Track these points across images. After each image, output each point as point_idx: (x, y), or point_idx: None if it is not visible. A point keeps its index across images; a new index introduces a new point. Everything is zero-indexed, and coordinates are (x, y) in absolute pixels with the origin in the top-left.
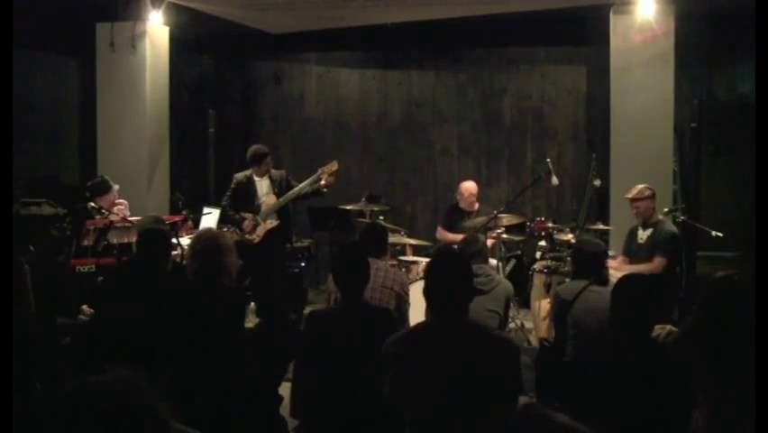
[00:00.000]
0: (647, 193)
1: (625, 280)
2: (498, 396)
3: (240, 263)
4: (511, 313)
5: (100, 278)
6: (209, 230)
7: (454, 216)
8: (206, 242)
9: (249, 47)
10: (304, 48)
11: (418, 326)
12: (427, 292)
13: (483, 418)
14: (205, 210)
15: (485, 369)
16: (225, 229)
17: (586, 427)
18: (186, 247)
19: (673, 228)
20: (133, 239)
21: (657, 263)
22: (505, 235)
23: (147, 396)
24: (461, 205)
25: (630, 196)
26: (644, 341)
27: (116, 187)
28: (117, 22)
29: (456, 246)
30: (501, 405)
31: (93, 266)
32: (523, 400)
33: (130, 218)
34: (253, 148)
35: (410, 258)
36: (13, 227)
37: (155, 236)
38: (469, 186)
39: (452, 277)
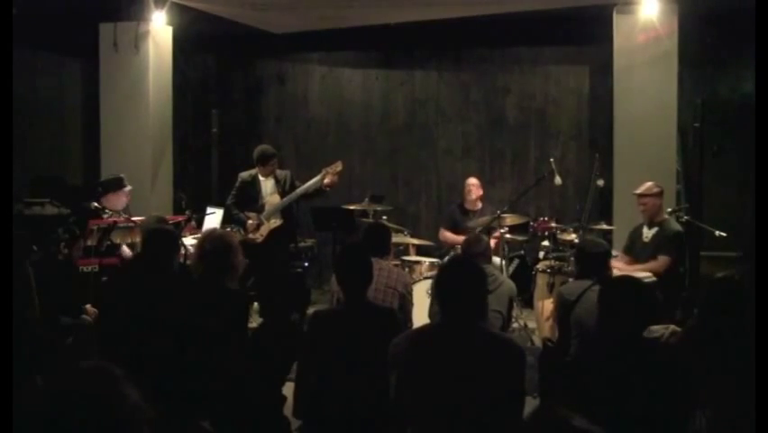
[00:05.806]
0: (656, 190)
1: (613, 283)
2: (501, 399)
3: (246, 262)
4: (514, 313)
5: (104, 278)
6: (216, 230)
7: (458, 215)
8: (215, 242)
9: (252, 47)
10: (307, 48)
11: (424, 327)
12: (439, 295)
13: (486, 420)
14: (209, 210)
15: (490, 372)
16: (229, 229)
17: (601, 429)
18: (189, 247)
19: (678, 227)
20: (137, 239)
21: (661, 262)
22: (508, 235)
23: (118, 383)
24: (467, 205)
25: (639, 191)
26: (635, 343)
27: (129, 187)
28: (120, 22)
29: (459, 246)
30: (504, 408)
31: (96, 266)
32: (526, 400)
33: (133, 218)
34: (261, 148)
35: (413, 258)
36: (13, 227)
37: (161, 236)
38: (474, 180)
39: (465, 281)
